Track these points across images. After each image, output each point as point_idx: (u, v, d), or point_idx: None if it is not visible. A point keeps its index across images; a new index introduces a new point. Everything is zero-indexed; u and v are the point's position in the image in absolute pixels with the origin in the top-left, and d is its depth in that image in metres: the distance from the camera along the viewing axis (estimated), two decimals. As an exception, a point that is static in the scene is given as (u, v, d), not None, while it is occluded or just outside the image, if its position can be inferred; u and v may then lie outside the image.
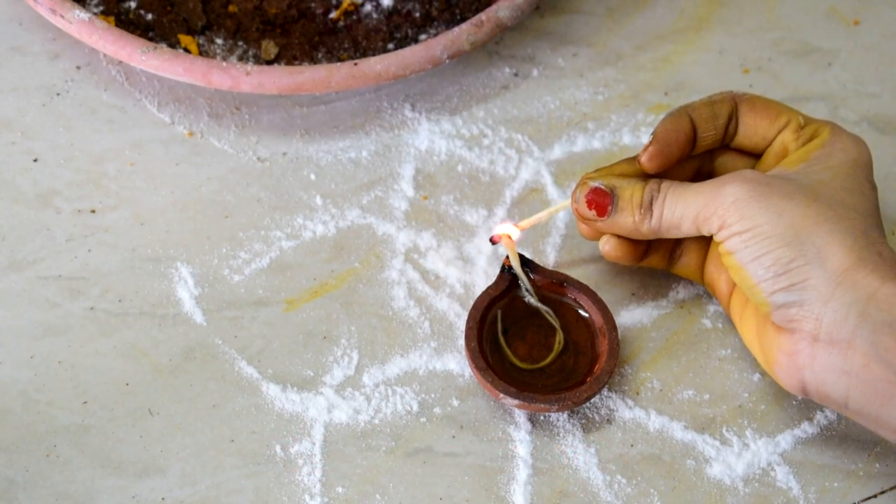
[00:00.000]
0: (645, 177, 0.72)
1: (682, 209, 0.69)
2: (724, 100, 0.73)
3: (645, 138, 0.85)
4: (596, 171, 0.73)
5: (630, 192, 0.71)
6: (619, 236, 0.74)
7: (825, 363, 0.66)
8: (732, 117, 0.73)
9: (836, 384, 0.66)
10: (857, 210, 0.67)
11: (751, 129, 0.73)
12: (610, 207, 0.71)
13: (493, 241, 0.76)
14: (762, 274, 0.66)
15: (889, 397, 0.64)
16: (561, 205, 0.77)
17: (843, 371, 0.65)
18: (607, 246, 0.74)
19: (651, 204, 0.70)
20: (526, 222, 0.77)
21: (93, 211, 0.80)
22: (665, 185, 0.70)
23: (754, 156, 0.75)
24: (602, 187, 0.72)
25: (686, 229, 0.70)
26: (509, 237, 0.76)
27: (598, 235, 0.75)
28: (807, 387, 0.68)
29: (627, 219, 0.71)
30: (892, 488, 0.73)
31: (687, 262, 0.76)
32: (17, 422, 0.72)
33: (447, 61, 0.83)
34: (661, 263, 0.76)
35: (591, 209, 0.72)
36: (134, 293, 0.77)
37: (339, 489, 0.71)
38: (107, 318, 0.76)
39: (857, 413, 0.67)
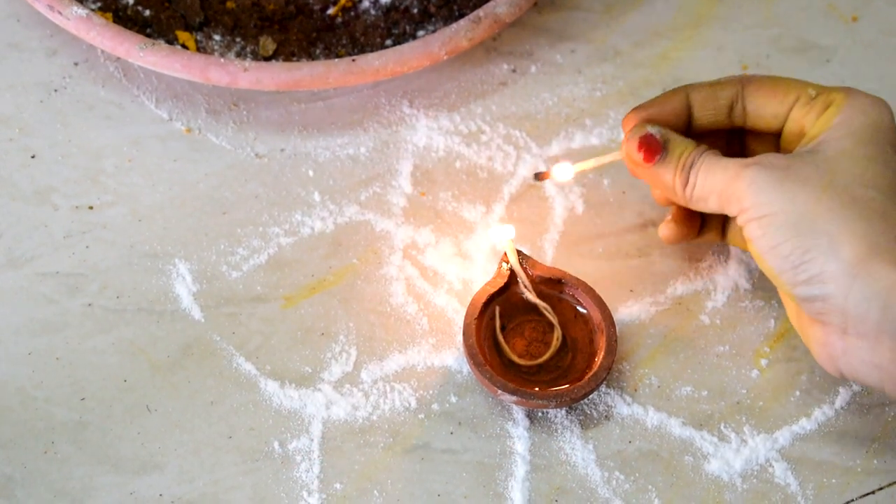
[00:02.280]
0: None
1: (710, 184, 0.69)
2: (730, 82, 0.73)
3: None
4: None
5: (680, 150, 0.71)
6: (675, 220, 0.75)
7: (857, 356, 0.66)
8: (738, 99, 0.73)
9: (870, 375, 0.66)
10: (876, 186, 0.66)
11: (760, 109, 0.72)
12: (658, 157, 0.71)
13: (540, 177, 0.77)
14: (780, 265, 0.66)
15: None
16: (613, 154, 0.75)
17: (874, 364, 0.65)
18: (666, 231, 0.75)
19: (691, 168, 0.70)
20: (579, 166, 0.76)
21: (90, 207, 0.79)
22: (706, 154, 0.70)
23: (774, 133, 0.74)
24: (657, 136, 0.71)
25: (713, 206, 0.70)
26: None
27: (666, 201, 0.75)
28: (845, 375, 0.68)
29: (668, 174, 0.71)
30: (889, 485, 0.73)
31: (737, 230, 0.75)
32: (14, 418, 0.72)
33: (445, 58, 0.83)
34: (717, 237, 0.77)
35: (639, 152, 0.71)
36: (132, 289, 0.77)
37: (337, 485, 0.71)
38: (104, 314, 0.76)
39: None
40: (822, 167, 0.67)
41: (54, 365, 0.74)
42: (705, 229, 0.77)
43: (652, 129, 0.71)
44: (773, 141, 0.75)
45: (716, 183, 0.69)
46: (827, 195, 0.65)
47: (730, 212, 0.69)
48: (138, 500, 0.70)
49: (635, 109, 0.73)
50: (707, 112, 0.73)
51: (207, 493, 0.70)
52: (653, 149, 0.71)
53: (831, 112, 0.69)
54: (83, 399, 0.73)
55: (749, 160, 0.68)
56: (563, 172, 0.77)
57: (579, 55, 0.89)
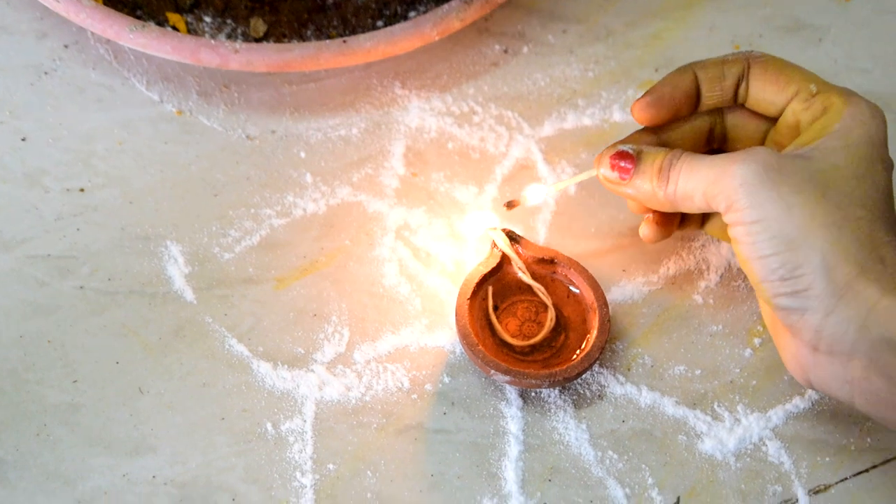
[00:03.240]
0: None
1: (694, 181, 0.67)
2: (737, 60, 0.72)
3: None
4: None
5: (653, 157, 0.70)
6: (655, 221, 0.74)
7: (827, 370, 0.65)
8: (743, 78, 0.72)
9: (841, 390, 0.66)
10: (864, 205, 0.65)
11: (759, 94, 0.71)
12: (632, 170, 0.70)
13: (510, 206, 0.76)
14: (766, 275, 0.65)
15: (891, 406, 0.64)
16: (587, 173, 0.74)
17: (844, 380, 0.65)
18: (647, 230, 0.74)
19: (669, 170, 0.69)
20: (551, 188, 0.76)
21: (82, 190, 0.79)
22: (685, 155, 0.69)
23: (771, 118, 0.73)
24: (628, 150, 0.70)
25: (698, 203, 0.68)
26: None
27: (644, 210, 0.74)
28: (814, 387, 0.68)
29: (646, 183, 0.70)
30: (883, 463, 0.73)
31: (717, 222, 0.75)
32: (6, 401, 0.72)
33: (437, 39, 0.83)
34: (696, 226, 0.76)
35: (614, 171, 0.71)
36: (123, 272, 0.76)
37: (330, 466, 0.71)
38: (96, 296, 0.75)
39: (866, 415, 0.66)
40: (816, 178, 0.65)
41: (46, 348, 0.74)
42: (686, 221, 0.76)
43: (622, 147, 0.71)
44: (758, 122, 0.74)
45: (700, 180, 0.67)
46: (821, 209, 0.64)
47: (716, 209, 0.67)
48: (131, 482, 0.70)
49: (647, 93, 0.72)
50: (715, 93, 0.72)
51: (200, 474, 0.70)
52: (626, 164, 0.70)
53: (830, 118, 0.68)
54: (75, 381, 0.73)
55: (737, 155, 0.66)
56: (535, 195, 0.76)
57: (571, 35, 0.89)
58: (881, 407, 0.65)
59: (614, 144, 0.72)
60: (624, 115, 0.85)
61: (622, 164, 0.70)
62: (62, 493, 0.69)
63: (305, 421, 0.72)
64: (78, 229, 0.78)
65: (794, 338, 0.66)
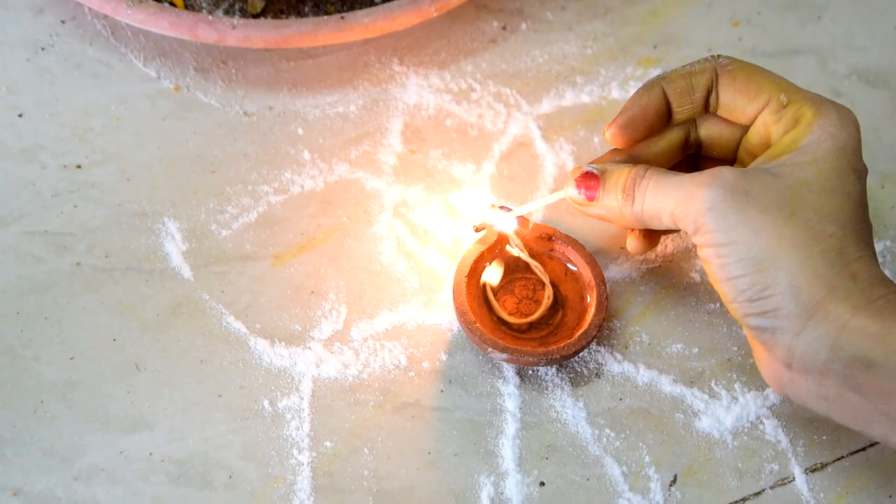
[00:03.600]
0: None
1: (661, 201, 0.67)
2: (704, 70, 0.71)
3: (633, 92, 0.84)
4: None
5: (617, 175, 0.69)
6: (641, 235, 0.74)
7: (802, 387, 0.65)
8: (712, 89, 0.71)
9: (817, 405, 0.65)
10: (835, 220, 0.65)
11: (730, 104, 0.71)
12: (599, 190, 0.70)
13: (477, 230, 0.75)
14: (735, 296, 0.65)
15: (868, 421, 0.64)
16: (556, 195, 0.74)
17: (820, 396, 0.65)
18: (633, 244, 0.74)
19: (634, 188, 0.68)
20: (520, 210, 0.76)
21: (79, 166, 0.79)
22: (650, 172, 0.68)
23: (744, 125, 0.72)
24: (593, 170, 0.70)
25: (666, 222, 0.68)
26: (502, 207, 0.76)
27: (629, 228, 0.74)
28: (791, 400, 0.67)
29: (613, 202, 0.69)
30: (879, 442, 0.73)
31: None
32: (3, 377, 0.72)
33: (435, 15, 0.82)
34: (677, 230, 0.76)
35: (580, 192, 0.70)
36: (120, 248, 0.76)
37: (327, 443, 0.71)
38: (93, 273, 0.75)
39: (845, 426, 0.66)
40: (784, 195, 0.65)
41: (43, 324, 0.73)
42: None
43: (586, 168, 0.70)
44: (732, 129, 0.73)
45: (667, 200, 0.67)
46: (789, 230, 0.64)
47: (684, 229, 0.67)
48: (128, 459, 0.70)
49: (618, 117, 0.72)
50: (685, 107, 0.72)
51: (197, 451, 0.70)
52: (592, 185, 0.70)
53: (800, 131, 0.67)
54: (72, 358, 0.73)
55: (703, 177, 0.66)
56: (503, 222, 0.75)
57: (570, 12, 0.88)
58: (858, 422, 0.64)
59: (579, 167, 0.71)
60: (622, 92, 0.85)
61: (588, 184, 0.70)
62: (59, 469, 0.69)
63: (303, 398, 0.72)
64: (75, 206, 0.78)
65: (770, 353, 0.66)
